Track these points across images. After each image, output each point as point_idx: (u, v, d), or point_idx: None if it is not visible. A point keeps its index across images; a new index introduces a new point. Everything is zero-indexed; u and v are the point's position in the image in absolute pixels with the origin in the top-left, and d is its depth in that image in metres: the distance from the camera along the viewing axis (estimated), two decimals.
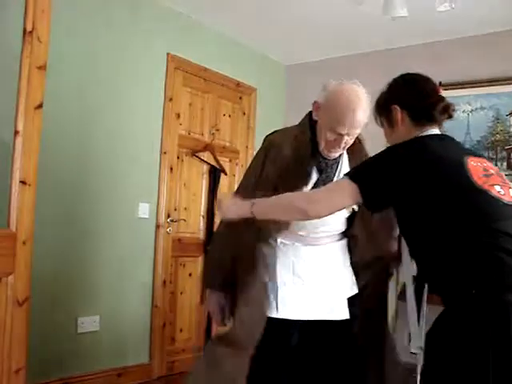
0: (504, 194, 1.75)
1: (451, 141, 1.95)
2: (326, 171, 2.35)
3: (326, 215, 1.96)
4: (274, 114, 5.54)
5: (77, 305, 3.88)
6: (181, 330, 4.67)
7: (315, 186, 2.29)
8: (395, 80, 2.08)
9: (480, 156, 1.91)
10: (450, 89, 4.85)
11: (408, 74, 2.07)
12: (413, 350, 1.95)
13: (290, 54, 5.61)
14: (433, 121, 1.96)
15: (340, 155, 2.38)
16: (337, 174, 2.37)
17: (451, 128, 4.93)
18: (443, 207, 1.73)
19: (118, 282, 4.14)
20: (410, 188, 1.76)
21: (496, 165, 4.64)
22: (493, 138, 4.71)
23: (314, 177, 2.32)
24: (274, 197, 2.05)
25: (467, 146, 4.74)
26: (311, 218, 1.98)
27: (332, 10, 4.40)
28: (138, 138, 4.30)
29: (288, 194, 2.03)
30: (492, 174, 1.80)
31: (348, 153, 2.42)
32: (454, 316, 1.68)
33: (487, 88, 4.73)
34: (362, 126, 2.26)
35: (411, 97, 1.99)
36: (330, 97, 2.26)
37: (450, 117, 1.99)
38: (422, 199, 1.76)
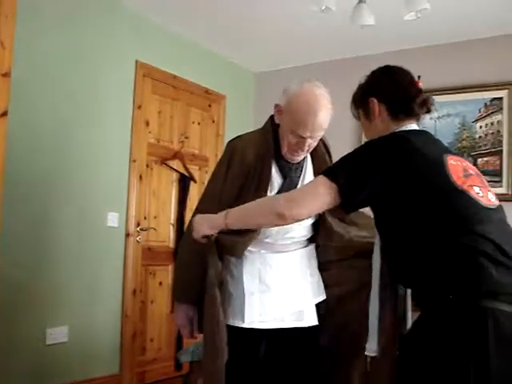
0: (482, 196, 1.70)
1: (430, 137, 1.90)
2: (290, 176, 2.33)
3: (305, 218, 1.92)
4: (244, 122, 5.54)
5: (45, 316, 3.81)
6: (151, 340, 4.62)
7: (279, 191, 2.26)
8: (374, 72, 2.03)
9: (458, 155, 1.87)
10: None
11: (387, 67, 2.03)
12: (367, 353, 1.94)
13: (258, 62, 5.63)
14: (411, 115, 1.91)
15: (304, 159, 2.37)
16: (301, 179, 2.35)
17: None
18: (422, 207, 1.68)
19: (87, 292, 4.09)
20: (390, 186, 1.71)
21: None
22: (459, 145, 4.78)
23: (278, 182, 2.30)
24: (247, 203, 2.01)
25: None
26: (290, 222, 1.90)
27: (300, 19, 4.42)
28: (106, 147, 4.26)
29: (263, 199, 2.01)
30: (471, 175, 1.75)
31: (312, 157, 2.41)
32: (430, 321, 1.63)
33: (453, 95, 4.81)
34: (325, 128, 2.25)
35: (389, 89, 1.94)
36: (291, 99, 2.23)
37: (429, 111, 1.94)
38: (401, 198, 1.70)
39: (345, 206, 1.79)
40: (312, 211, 1.88)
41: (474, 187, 1.70)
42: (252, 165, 2.26)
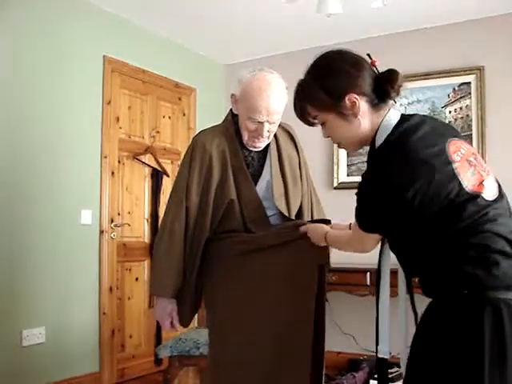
0: (489, 190, 1.62)
1: (421, 125, 1.70)
2: (253, 165, 2.39)
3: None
4: (214, 114, 5.48)
5: (20, 317, 3.77)
6: (130, 336, 4.61)
7: None
8: (327, 64, 1.81)
9: (457, 137, 1.73)
10: None
11: (336, 53, 1.83)
12: (380, 355, 1.87)
13: (227, 54, 5.61)
14: (388, 98, 1.77)
15: (267, 149, 2.41)
16: (265, 169, 2.40)
17: None
18: (434, 216, 1.58)
19: (62, 291, 4.06)
20: (404, 211, 1.60)
21: None
22: None
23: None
24: (340, 233, 2.11)
25: None
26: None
27: (267, 8, 4.42)
28: (77, 144, 4.22)
29: (347, 237, 2.03)
30: (475, 166, 1.65)
31: (277, 147, 2.45)
32: (443, 315, 1.59)
33: (422, 81, 4.85)
34: (280, 111, 2.29)
35: (362, 78, 1.76)
36: (244, 87, 2.29)
37: (400, 87, 1.80)
38: (413, 216, 1.60)
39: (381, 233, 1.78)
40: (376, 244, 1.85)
41: (483, 183, 1.62)
42: (213, 157, 2.31)
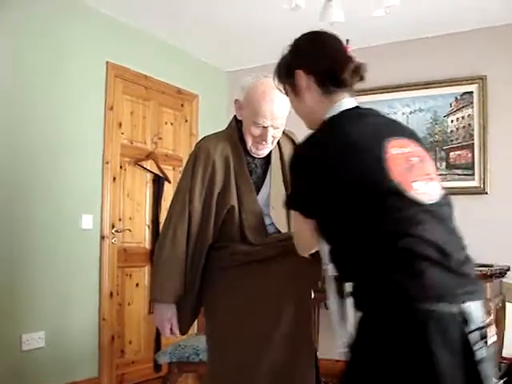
0: (424, 193, 1.54)
1: (370, 116, 1.69)
2: (256, 172, 2.38)
3: (313, 249, 1.88)
4: (216, 121, 5.50)
5: (20, 321, 3.77)
6: (130, 342, 4.60)
7: None
8: (297, 40, 1.84)
9: (404, 136, 1.64)
10: (388, 92, 4.97)
11: (312, 32, 1.82)
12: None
13: (230, 60, 5.63)
14: (343, 86, 1.71)
15: (269, 156, 2.41)
16: (267, 177, 2.39)
17: None
18: (360, 213, 1.54)
19: (63, 296, 4.05)
20: (327, 193, 1.57)
21: (436, 165, 4.75)
22: (431, 139, 4.83)
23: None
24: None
25: None
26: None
27: (270, 16, 4.43)
28: (79, 149, 4.22)
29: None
30: (414, 165, 1.57)
31: (280, 154, 2.44)
32: (373, 328, 1.51)
33: (424, 90, 4.86)
34: (284, 115, 2.29)
35: (315, 58, 1.74)
36: (248, 92, 2.30)
37: (362, 79, 1.73)
38: (338, 204, 1.56)
39: (312, 217, 1.68)
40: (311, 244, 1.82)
41: (415, 183, 1.54)
42: (217, 163, 2.30)
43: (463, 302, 1.42)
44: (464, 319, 1.41)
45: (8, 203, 3.73)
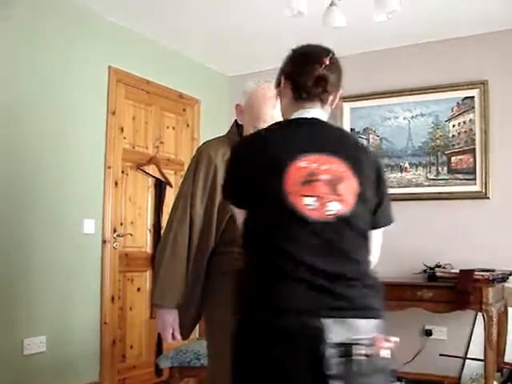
0: (314, 209, 1.55)
1: (304, 128, 1.71)
2: None
3: None
4: (218, 125, 5.51)
5: (22, 326, 3.77)
6: (131, 347, 4.60)
7: None
8: (292, 49, 1.94)
9: (325, 152, 1.63)
10: (390, 96, 4.97)
11: (304, 44, 1.92)
12: None
13: (232, 65, 5.63)
14: (308, 94, 1.74)
15: None
16: None
17: (394, 134, 5.05)
18: (254, 218, 1.64)
19: (64, 300, 4.05)
20: (240, 191, 1.69)
21: (437, 170, 4.76)
22: (433, 144, 4.83)
23: None
24: None
25: (409, 152, 4.87)
26: None
27: (272, 21, 4.44)
28: (81, 153, 4.23)
29: None
30: (317, 181, 1.57)
31: None
32: (233, 329, 1.61)
33: (426, 95, 4.86)
34: None
35: (292, 65, 1.83)
36: (249, 96, 2.32)
37: (325, 91, 1.74)
38: (247, 204, 1.67)
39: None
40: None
41: (307, 198, 1.55)
42: (218, 166, 2.29)
43: (321, 317, 1.46)
44: (318, 334, 1.45)
45: (10, 208, 3.74)
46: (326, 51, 1.84)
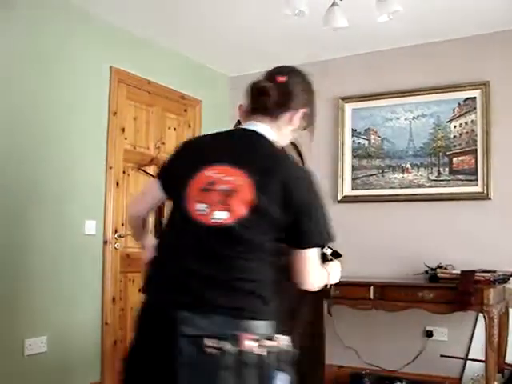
0: (204, 214, 1.70)
1: (240, 141, 1.85)
2: None
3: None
4: (220, 126, 5.49)
5: (23, 326, 3.77)
6: None
7: None
8: None
9: (232, 163, 1.75)
10: (391, 97, 4.97)
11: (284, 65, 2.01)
12: None
13: (233, 66, 5.63)
14: (259, 109, 1.88)
15: None
16: None
17: (395, 135, 5.05)
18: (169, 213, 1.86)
19: (65, 301, 4.06)
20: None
21: (439, 170, 4.76)
22: (435, 145, 4.83)
23: None
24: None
25: (411, 153, 4.86)
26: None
27: (274, 21, 4.44)
28: (82, 154, 4.23)
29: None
30: (214, 190, 1.71)
31: None
32: None
33: (427, 96, 4.86)
34: None
35: (257, 79, 1.95)
36: None
37: (277, 107, 1.86)
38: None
39: None
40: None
41: (200, 204, 1.71)
42: None
43: (180, 310, 1.62)
44: (174, 325, 1.61)
45: (11, 209, 3.74)
46: (288, 71, 1.91)
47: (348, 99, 5.18)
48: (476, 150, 4.65)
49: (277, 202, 1.70)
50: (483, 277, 3.82)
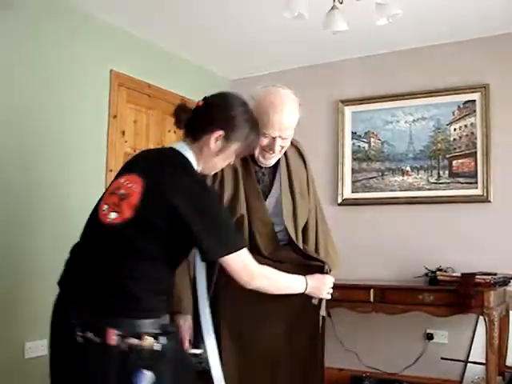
0: (105, 215, 1.91)
1: (157, 156, 2.07)
2: (263, 181, 2.39)
3: None
4: None
5: (23, 329, 3.77)
6: None
7: None
8: None
9: (137, 173, 1.96)
10: (391, 100, 4.98)
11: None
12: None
13: (234, 69, 5.64)
14: (185, 131, 2.11)
15: (277, 166, 2.41)
16: (275, 185, 2.41)
17: (395, 138, 5.06)
18: None
19: None
20: None
21: (438, 173, 4.76)
22: (434, 147, 4.83)
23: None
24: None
25: (410, 155, 4.87)
26: None
27: (274, 24, 4.44)
28: (82, 157, 4.23)
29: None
30: (116, 194, 1.93)
31: (287, 165, 2.45)
32: None
33: (427, 99, 4.87)
34: (292, 126, 2.30)
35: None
36: (257, 102, 2.30)
37: (194, 130, 2.07)
38: None
39: None
40: None
41: (105, 205, 1.95)
42: (228, 171, 2.31)
43: (69, 302, 2.02)
44: (66, 313, 2.00)
45: (11, 209, 3.74)
46: (211, 96, 2.16)
47: (348, 102, 5.19)
48: (476, 152, 4.66)
49: (160, 215, 1.85)
50: (483, 279, 3.82)
